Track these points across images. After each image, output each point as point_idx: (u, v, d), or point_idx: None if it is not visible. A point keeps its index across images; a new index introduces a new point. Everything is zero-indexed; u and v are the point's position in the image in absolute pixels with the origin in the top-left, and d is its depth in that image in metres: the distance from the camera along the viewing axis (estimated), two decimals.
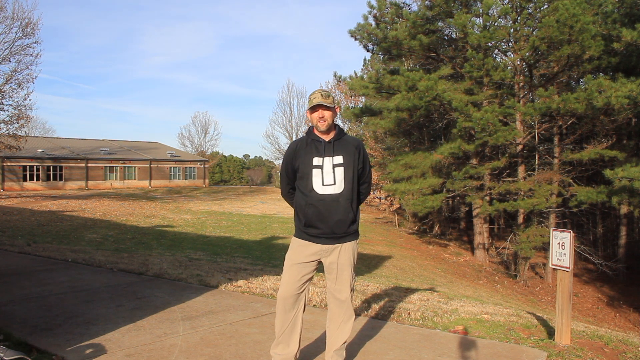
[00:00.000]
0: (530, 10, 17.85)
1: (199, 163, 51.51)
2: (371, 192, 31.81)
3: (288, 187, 3.23)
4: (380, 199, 31.83)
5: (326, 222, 3.00)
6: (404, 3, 19.87)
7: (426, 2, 18.94)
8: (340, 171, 3.02)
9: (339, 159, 3.04)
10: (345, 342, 3.18)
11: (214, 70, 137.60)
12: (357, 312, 4.66)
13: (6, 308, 4.57)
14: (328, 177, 3.01)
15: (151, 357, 3.37)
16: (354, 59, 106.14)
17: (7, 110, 26.42)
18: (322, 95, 3.01)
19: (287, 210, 24.67)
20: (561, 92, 16.81)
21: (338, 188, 3.01)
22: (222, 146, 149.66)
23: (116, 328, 3.99)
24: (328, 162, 3.03)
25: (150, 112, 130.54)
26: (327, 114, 3.02)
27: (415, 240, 23.36)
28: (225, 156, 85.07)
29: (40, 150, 39.96)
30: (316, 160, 3.03)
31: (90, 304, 4.79)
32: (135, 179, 45.26)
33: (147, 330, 3.96)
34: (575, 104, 15.10)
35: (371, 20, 20.16)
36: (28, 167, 38.38)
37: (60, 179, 40.24)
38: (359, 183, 3.16)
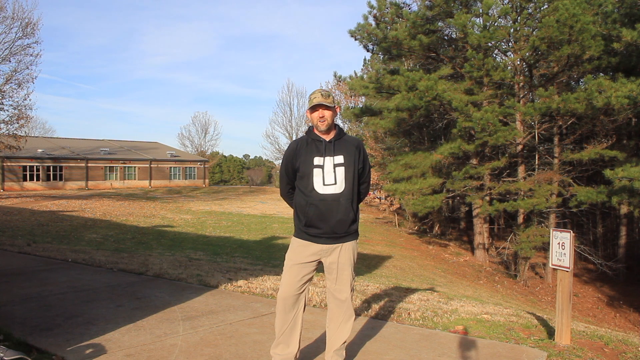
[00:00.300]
0: (530, 10, 17.85)
1: (199, 163, 51.51)
2: (371, 192, 31.91)
3: (288, 187, 3.23)
4: (380, 199, 31.84)
5: (327, 222, 3.00)
6: (404, 3, 19.87)
7: (426, 2, 18.94)
8: (341, 171, 3.02)
9: (339, 159, 3.04)
10: (345, 342, 3.18)
11: (214, 70, 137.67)
12: (357, 312, 4.66)
13: (6, 308, 4.57)
14: (329, 176, 3.01)
15: (151, 357, 3.37)
16: (354, 59, 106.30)
17: (7, 110, 26.46)
18: (322, 95, 3.01)
19: (287, 210, 24.66)
20: (561, 92, 16.81)
21: (339, 188, 3.01)
22: (222, 146, 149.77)
23: (116, 328, 3.99)
24: (329, 161, 3.03)
25: (150, 112, 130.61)
26: (327, 113, 3.02)
27: (415, 240, 23.36)
28: (225, 156, 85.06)
29: (40, 150, 39.95)
30: (317, 160, 3.03)
31: (90, 304, 4.79)
32: (135, 179, 45.26)
33: (147, 330, 3.96)
34: (575, 104, 15.09)
35: (371, 20, 20.16)
36: (28, 167, 38.38)
37: (60, 179, 40.24)
38: (359, 183, 3.16)
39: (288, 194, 3.26)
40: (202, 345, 3.66)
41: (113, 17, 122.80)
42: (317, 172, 3.02)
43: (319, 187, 3.00)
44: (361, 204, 3.37)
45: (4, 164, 36.83)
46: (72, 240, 12.66)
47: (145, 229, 16.28)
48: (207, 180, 52.10)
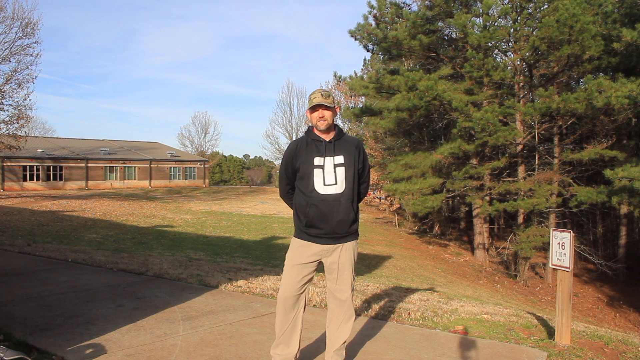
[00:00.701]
0: (530, 10, 17.85)
1: (199, 163, 51.51)
2: (371, 192, 31.90)
3: (287, 187, 3.23)
4: (380, 199, 31.84)
5: (328, 222, 3.00)
6: (404, 3, 19.87)
7: (426, 2, 18.94)
8: (341, 171, 3.02)
9: (340, 159, 3.04)
10: (345, 342, 3.18)
11: (214, 70, 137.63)
12: (357, 312, 4.66)
13: (6, 308, 4.57)
14: (329, 177, 3.01)
15: (151, 357, 3.37)
16: (354, 59, 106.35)
17: (7, 110, 26.45)
18: (322, 95, 3.01)
19: (287, 210, 24.65)
20: (561, 92, 16.81)
21: (339, 188, 3.01)
22: (222, 146, 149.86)
23: (116, 328, 3.99)
24: (329, 162, 3.03)
25: (150, 112, 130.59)
26: (327, 113, 3.02)
27: (415, 240, 23.35)
28: (225, 156, 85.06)
29: (40, 150, 39.95)
30: (317, 160, 3.03)
31: (90, 304, 4.79)
32: (135, 179, 45.26)
33: (147, 330, 3.96)
34: (575, 104, 15.09)
35: (371, 20, 20.16)
36: (28, 167, 38.37)
37: (60, 179, 40.23)
38: (359, 183, 3.16)
39: (287, 194, 3.26)
40: (202, 345, 3.66)
41: (113, 17, 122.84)
42: (317, 172, 3.01)
43: (320, 188, 3.00)
44: (361, 203, 3.38)
45: (4, 164, 36.82)
46: (72, 240, 12.66)
47: (145, 229, 16.28)
48: (207, 180, 52.09)
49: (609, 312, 16.78)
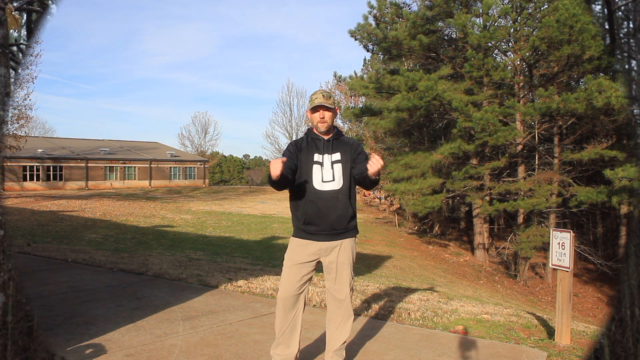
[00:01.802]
0: (530, 10, 17.85)
1: (199, 163, 51.50)
2: (371, 192, 31.84)
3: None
4: (380, 199, 31.82)
5: (326, 219, 3.02)
6: (404, 3, 19.89)
7: (426, 2, 18.94)
8: (338, 168, 3.07)
9: (337, 156, 3.09)
10: (345, 342, 3.19)
11: (214, 70, 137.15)
12: (357, 312, 4.66)
13: None
14: (327, 173, 3.05)
15: (151, 357, 3.38)
16: (354, 59, 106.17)
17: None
18: (323, 95, 3.05)
19: (287, 211, 24.55)
20: (561, 92, 16.80)
21: (337, 184, 3.05)
22: (222, 146, 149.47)
23: (116, 328, 3.99)
24: (327, 159, 3.08)
25: (150, 112, 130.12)
26: (328, 114, 3.07)
27: (415, 240, 23.34)
28: (225, 156, 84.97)
29: (40, 150, 39.93)
30: (316, 157, 3.08)
31: (90, 304, 4.79)
32: (135, 179, 45.24)
33: (147, 330, 3.96)
34: (575, 104, 15.10)
35: (371, 20, 20.17)
36: (28, 167, 38.36)
37: (60, 179, 40.22)
38: (364, 162, 2.98)
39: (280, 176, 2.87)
40: (202, 345, 3.66)
41: (113, 17, 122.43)
42: (316, 168, 3.06)
43: (318, 184, 3.04)
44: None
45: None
46: (72, 240, 12.66)
47: (145, 229, 16.27)
48: (207, 180, 52.08)
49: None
